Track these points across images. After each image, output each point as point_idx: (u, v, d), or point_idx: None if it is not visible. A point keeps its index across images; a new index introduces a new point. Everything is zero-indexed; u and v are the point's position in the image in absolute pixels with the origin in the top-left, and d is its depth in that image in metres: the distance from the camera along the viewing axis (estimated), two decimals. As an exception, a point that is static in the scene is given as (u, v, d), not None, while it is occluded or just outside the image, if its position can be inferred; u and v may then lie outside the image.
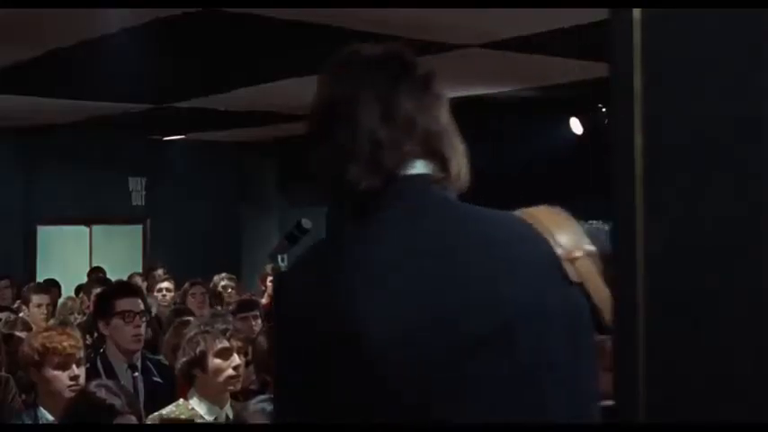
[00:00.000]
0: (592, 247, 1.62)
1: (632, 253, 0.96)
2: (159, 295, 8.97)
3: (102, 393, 3.31)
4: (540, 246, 1.58)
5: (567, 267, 1.58)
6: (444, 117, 1.67)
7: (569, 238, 1.62)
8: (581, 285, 1.57)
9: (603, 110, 10.40)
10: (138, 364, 4.65)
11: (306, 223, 3.05)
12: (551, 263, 1.57)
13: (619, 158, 0.98)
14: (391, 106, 1.60)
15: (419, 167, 1.61)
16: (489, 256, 1.53)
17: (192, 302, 7.94)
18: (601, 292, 1.57)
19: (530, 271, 1.54)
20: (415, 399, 1.48)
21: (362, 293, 1.51)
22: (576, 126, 11.68)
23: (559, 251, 1.59)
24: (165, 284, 9.21)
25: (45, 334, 4.05)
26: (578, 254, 1.60)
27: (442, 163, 1.64)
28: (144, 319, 4.69)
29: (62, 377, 3.89)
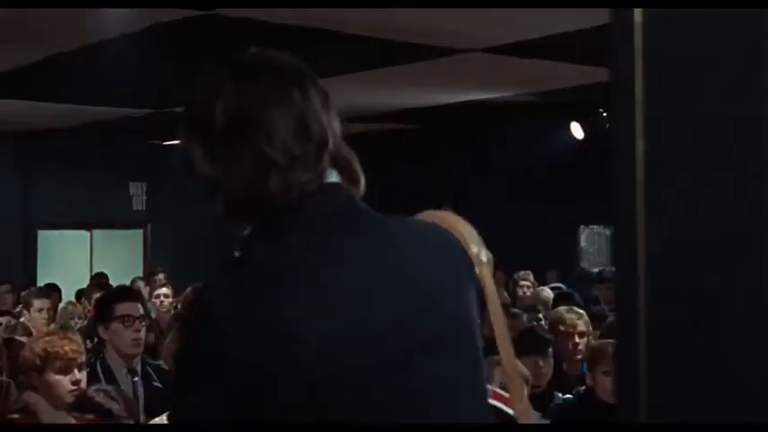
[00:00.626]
0: (489, 255, 1.70)
1: (633, 256, 0.96)
2: (157, 301, 8.97)
3: (100, 398, 3.30)
4: (463, 251, 1.66)
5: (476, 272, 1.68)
6: (338, 126, 1.64)
7: (476, 245, 1.68)
8: (481, 290, 1.68)
9: (604, 114, 10.41)
10: (138, 368, 4.64)
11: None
12: (471, 268, 1.66)
13: (620, 163, 0.98)
14: (306, 120, 1.56)
15: (334, 178, 1.59)
16: (426, 262, 1.58)
17: (192, 307, 7.92)
18: (493, 299, 1.68)
19: (460, 275, 1.62)
20: (366, 403, 1.46)
21: (311, 312, 1.44)
22: (576, 130, 11.70)
23: (472, 257, 1.68)
24: (164, 290, 9.20)
25: (47, 339, 4.05)
26: (484, 260, 1.67)
27: (350, 174, 1.62)
28: (144, 323, 4.68)
29: (63, 382, 3.89)
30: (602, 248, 13.18)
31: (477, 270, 1.66)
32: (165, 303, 8.94)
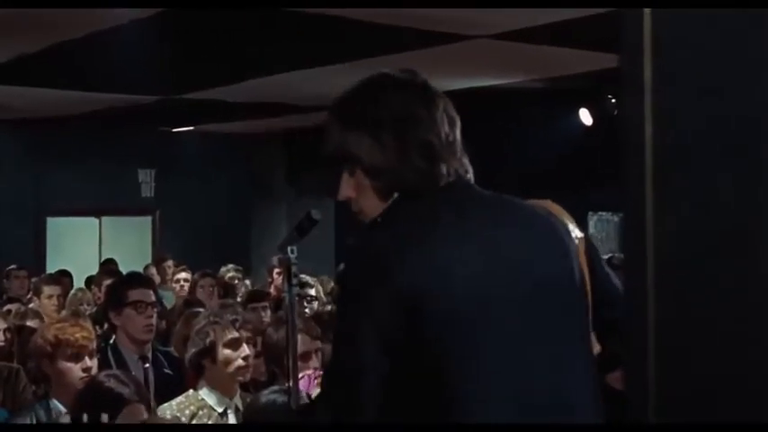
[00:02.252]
0: (580, 234, 2.23)
1: (642, 243, 0.96)
2: (177, 286, 8.95)
3: (111, 383, 3.31)
4: (564, 226, 2.11)
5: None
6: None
7: (572, 224, 2.15)
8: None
9: (613, 100, 10.38)
10: (149, 355, 4.66)
11: (315, 214, 3.05)
12: (572, 241, 2.07)
13: (629, 149, 0.98)
14: (452, 117, 2.01)
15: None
16: (538, 228, 2.00)
17: (201, 294, 7.96)
18: (584, 270, 2.07)
19: (565, 244, 2.02)
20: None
21: (455, 256, 1.86)
22: (585, 117, 11.65)
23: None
24: (183, 275, 9.20)
25: (58, 325, 4.06)
26: (579, 236, 2.14)
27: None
28: (155, 309, 4.70)
29: (74, 369, 3.90)
30: (611, 235, 13.14)
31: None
32: (186, 287, 8.93)
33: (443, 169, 1.96)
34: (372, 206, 2.00)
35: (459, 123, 2.03)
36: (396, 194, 1.97)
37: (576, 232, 2.08)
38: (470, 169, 2.04)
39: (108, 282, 6.57)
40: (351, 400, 1.84)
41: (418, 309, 1.80)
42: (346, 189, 2.03)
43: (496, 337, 1.84)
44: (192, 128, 14.02)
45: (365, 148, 1.96)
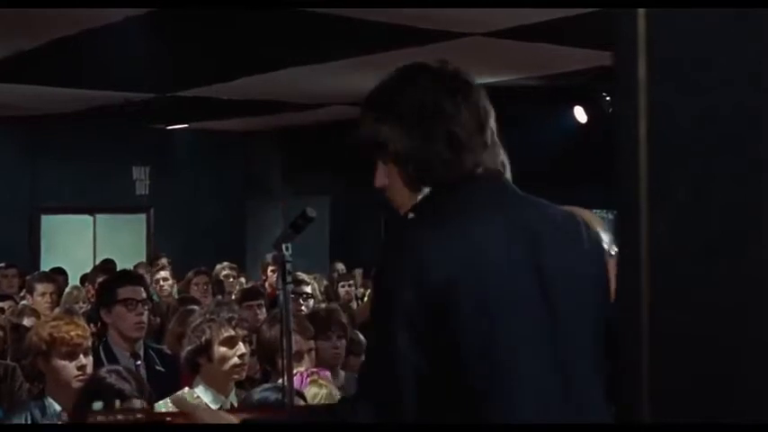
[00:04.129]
0: (615, 249, 2.08)
1: (636, 240, 0.96)
2: (157, 286, 8.95)
3: (111, 378, 3.31)
4: (594, 237, 2.10)
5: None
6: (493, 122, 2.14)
7: (607, 236, 2.13)
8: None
9: (608, 98, 10.38)
10: (141, 352, 4.65)
11: (310, 212, 3.05)
12: (599, 251, 2.08)
13: (623, 146, 0.98)
14: (479, 112, 2.05)
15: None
16: (576, 236, 2.03)
17: (195, 291, 7.95)
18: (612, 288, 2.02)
19: (582, 255, 2.02)
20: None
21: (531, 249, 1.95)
22: (580, 114, 11.66)
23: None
24: (162, 274, 9.17)
25: (53, 323, 4.05)
26: (612, 252, 2.09)
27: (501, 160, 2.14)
28: (146, 307, 4.69)
29: (69, 367, 3.89)
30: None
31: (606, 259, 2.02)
32: (165, 287, 8.92)
33: (470, 160, 2.00)
34: (403, 196, 2.05)
35: (492, 114, 2.07)
36: (426, 188, 2.02)
37: (611, 247, 2.09)
38: (506, 161, 2.09)
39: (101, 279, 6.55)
40: (391, 391, 1.87)
41: (448, 302, 1.85)
42: (381, 177, 2.08)
43: (519, 334, 1.90)
44: (186, 125, 14.01)
45: (394, 137, 2.01)
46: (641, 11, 0.95)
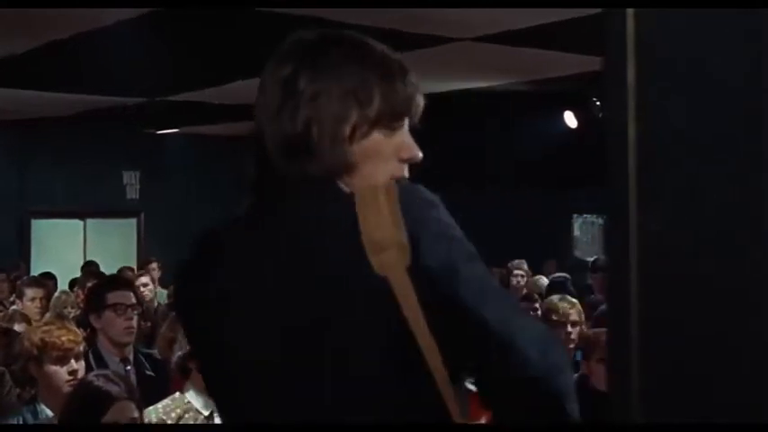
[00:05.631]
0: (404, 240, 1.52)
1: (626, 243, 0.96)
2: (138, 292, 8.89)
3: (99, 381, 3.30)
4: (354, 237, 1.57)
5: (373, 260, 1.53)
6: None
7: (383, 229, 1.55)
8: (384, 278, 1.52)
9: (598, 103, 10.41)
10: (131, 357, 4.64)
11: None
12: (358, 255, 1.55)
13: (612, 149, 0.98)
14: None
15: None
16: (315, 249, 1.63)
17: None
18: (402, 286, 1.52)
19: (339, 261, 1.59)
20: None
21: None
22: (570, 119, 11.69)
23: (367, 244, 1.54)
24: (143, 279, 9.13)
25: (44, 328, 4.04)
26: (387, 246, 1.53)
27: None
28: (136, 311, 4.68)
29: (60, 372, 3.88)
30: (596, 237, 13.18)
31: (377, 258, 1.52)
32: (146, 293, 8.88)
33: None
34: None
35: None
36: None
37: (403, 238, 1.51)
38: None
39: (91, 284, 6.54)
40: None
41: None
42: None
43: None
44: (177, 130, 14.00)
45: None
46: (630, 13, 0.96)
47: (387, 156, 1.70)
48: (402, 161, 1.71)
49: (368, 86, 1.68)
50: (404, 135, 1.72)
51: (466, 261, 1.54)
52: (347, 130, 1.66)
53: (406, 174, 1.72)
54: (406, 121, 1.73)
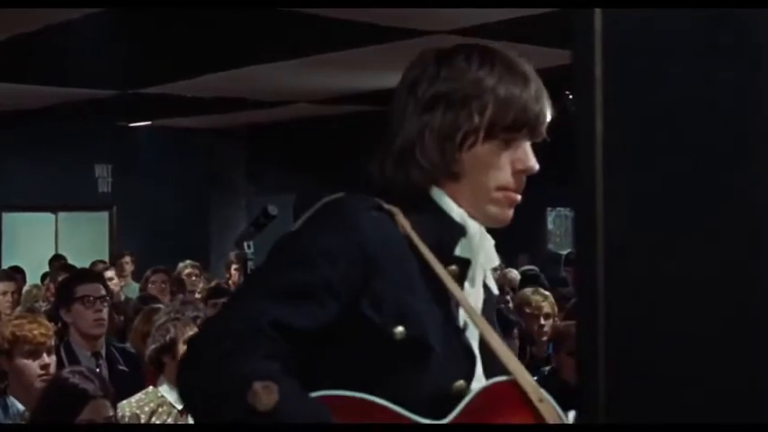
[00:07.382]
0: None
1: (593, 238, 0.97)
2: (105, 285, 8.83)
3: (75, 379, 3.28)
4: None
5: None
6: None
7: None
8: None
9: (570, 96, 10.44)
10: (103, 351, 4.62)
11: (272, 210, 3.05)
12: None
13: (580, 144, 0.99)
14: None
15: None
16: None
17: (152, 289, 7.91)
18: None
19: None
20: None
21: None
22: (543, 113, 11.69)
23: None
24: (108, 274, 9.09)
25: (15, 322, 4.02)
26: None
27: None
28: (105, 304, 4.66)
29: (32, 366, 3.87)
30: (569, 230, 13.23)
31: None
32: (111, 286, 8.81)
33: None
34: None
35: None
36: None
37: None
38: None
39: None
40: None
41: None
42: None
43: None
44: (149, 123, 13.92)
45: None
46: (598, 11, 0.96)
47: (499, 166, 1.74)
48: (516, 172, 1.75)
49: (482, 96, 1.70)
50: (521, 146, 1.76)
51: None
52: (458, 137, 1.69)
53: (521, 185, 1.78)
54: (526, 134, 1.76)
